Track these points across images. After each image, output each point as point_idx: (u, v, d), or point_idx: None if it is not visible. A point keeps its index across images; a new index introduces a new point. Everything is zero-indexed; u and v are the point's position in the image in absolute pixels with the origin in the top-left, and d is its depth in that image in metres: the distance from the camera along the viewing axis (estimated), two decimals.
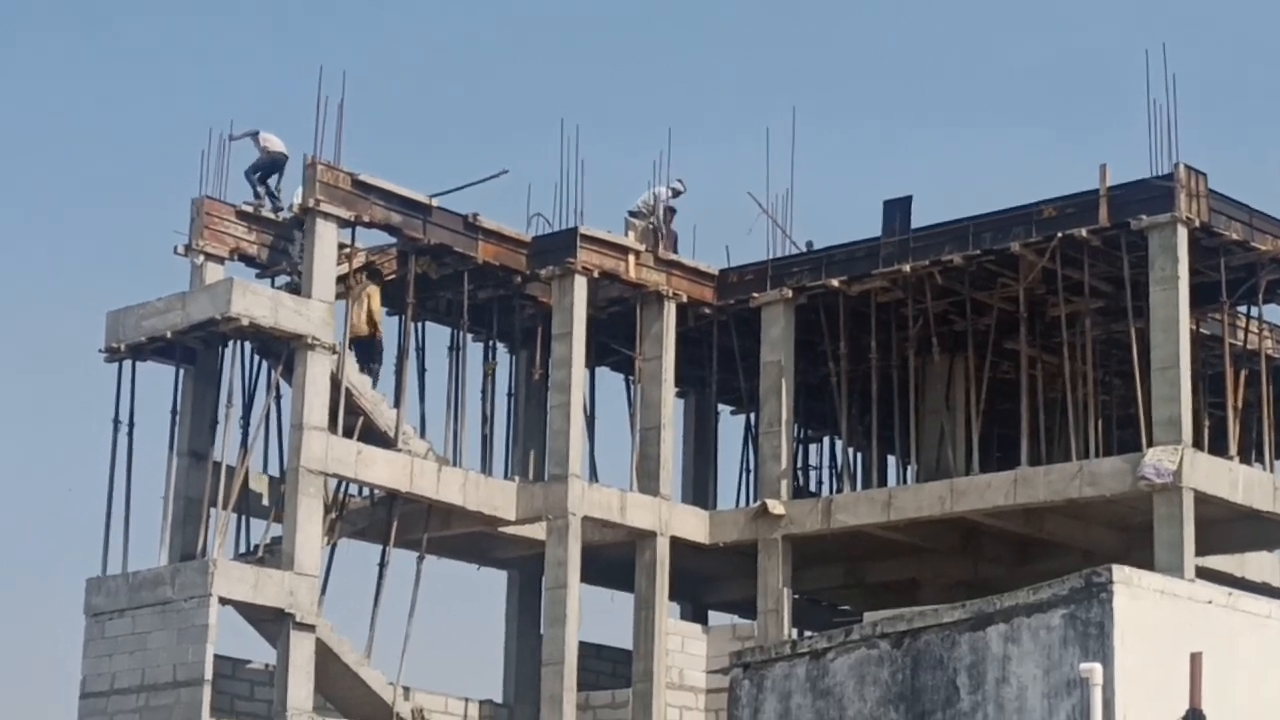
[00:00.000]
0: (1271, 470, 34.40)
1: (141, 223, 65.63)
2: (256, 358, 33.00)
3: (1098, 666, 14.60)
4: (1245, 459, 34.44)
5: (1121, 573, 17.91)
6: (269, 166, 33.70)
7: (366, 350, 33.66)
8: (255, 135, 33.77)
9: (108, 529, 32.01)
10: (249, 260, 33.81)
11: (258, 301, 31.30)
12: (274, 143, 33.78)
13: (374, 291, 33.90)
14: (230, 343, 32.40)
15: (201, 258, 33.04)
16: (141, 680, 29.77)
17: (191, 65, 72.41)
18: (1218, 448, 33.65)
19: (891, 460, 38.84)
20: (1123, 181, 31.92)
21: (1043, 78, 74.57)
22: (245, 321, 31.00)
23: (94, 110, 72.39)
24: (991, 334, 34.72)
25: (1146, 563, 29.35)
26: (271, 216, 33.76)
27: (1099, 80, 70.84)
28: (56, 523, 63.31)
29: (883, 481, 37.94)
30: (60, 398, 64.13)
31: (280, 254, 33.38)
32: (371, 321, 33.71)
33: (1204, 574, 31.19)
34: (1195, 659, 13.74)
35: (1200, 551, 30.96)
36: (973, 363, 34.92)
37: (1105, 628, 17.53)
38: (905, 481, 37.06)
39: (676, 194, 36.33)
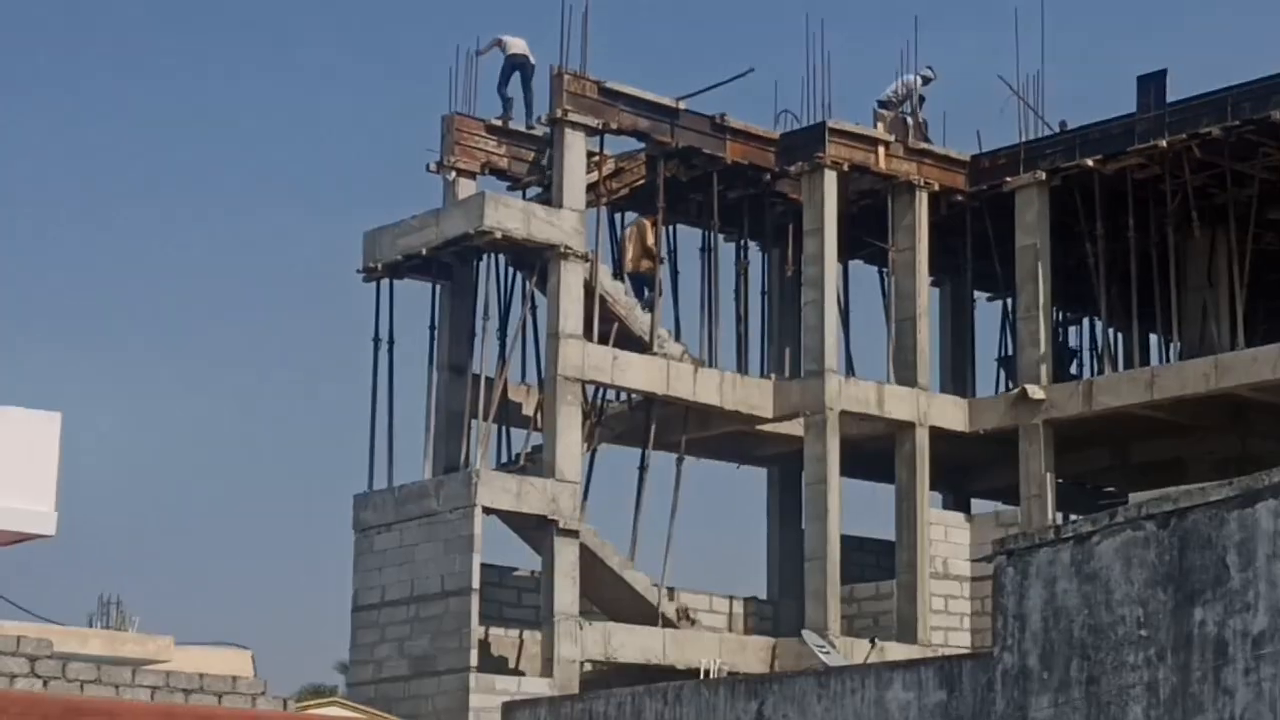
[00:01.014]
0: None
1: (395, 142, 66.58)
2: (511, 270, 33.29)
3: None
4: None
5: None
6: (509, 69, 33.79)
7: (648, 284, 33.99)
8: (499, 43, 33.89)
9: (372, 445, 32.60)
10: (500, 174, 34.04)
11: (510, 214, 31.54)
12: (515, 45, 33.79)
13: (647, 225, 34.12)
14: (485, 256, 32.72)
15: (454, 174, 33.31)
16: (411, 592, 30.32)
17: None
18: None
19: (1153, 339, 38.17)
20: None
21: None
22: (498, 234, 31.25)
23: (344, 34, 73.43)
24: (1254, 205, 33.88)
25: None
26: (519, 128, 33.91)
27: None
28: (323, 442, 64.75)
29: (1145, 361, 37.30)
30: (321, 319, 65.45)
31: (538, 167, 33.44)
32: (650, 255, 33.93)
33: None
34: None
35: None
36: (1235, 236, 34.13)
37: None
38: (1168, 360, 36.40)
39: (927, 81, 35.90)
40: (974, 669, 20.58)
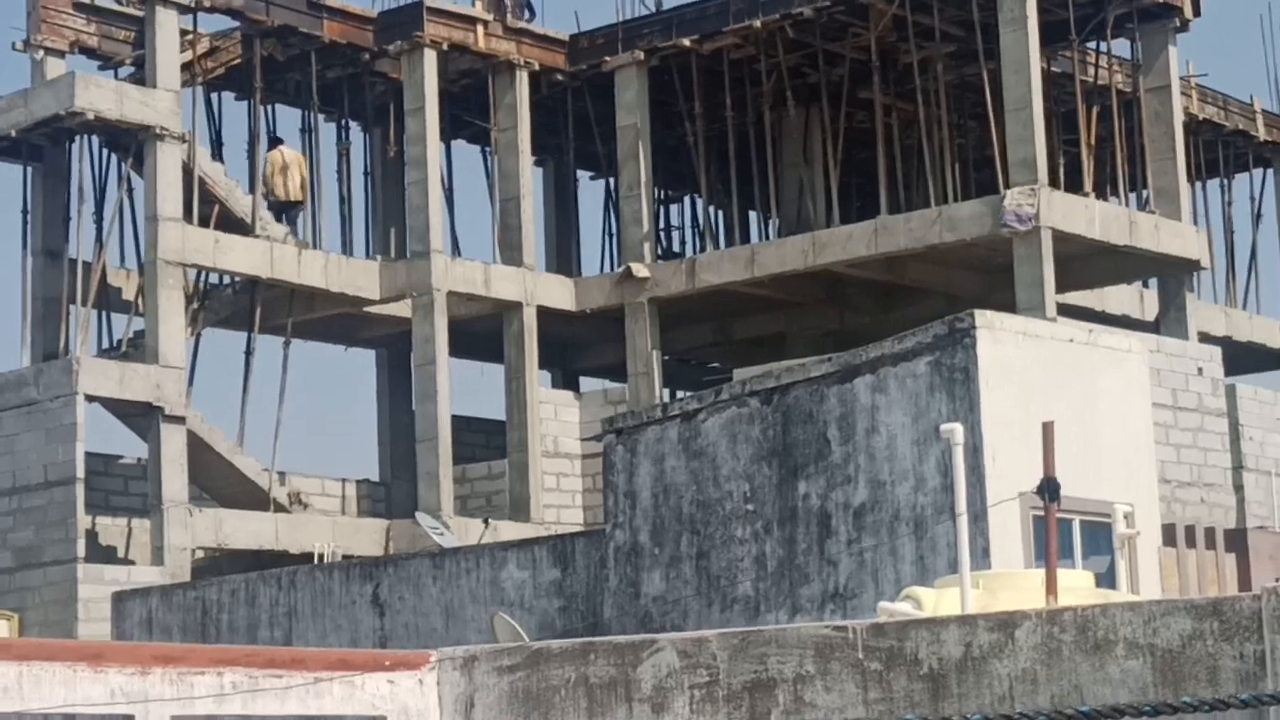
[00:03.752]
0: (1126, 205, 34.73)
1: None
2: (105, 151, 32.47)
3: (958, 427, 14.80)
4: (1101, 195, 34.77)
5: (984, 317, 18.11)
6: None
7: (290, 211, 33.57)
8: None
9: None
10: (90, 53, 33.11)
11: (102, 94, 30.72)
12: None
13: (301, 161, 33.70)
14: (77, 138, 31.86)
15: (41, 53, 32.33)
16: (13, 483, 29.60)
17: None
18: (1073, 185, 33.95)
19: (753, 217, 38.94)
20: None
21: None
22: (91, 115, 30.44)
23: None
24: (845, 84, 34.67)
25: (1008, 304, 29.74)
26: (108, 5, 33.02)
27: None
28: None
29: (745, 239, 38.02)
30: None
31: None
32: (302, 189, 33.52)
33: (1065, 311, 31.57)
34: (1047, 429, 13.92)
35: (1060, 289, 31.32)
36: (828, 114, 34.89)
37: (970, 373, 17.75)
38: (767, 237, 37.18)
39: None
40: (586, 546, 20.92)
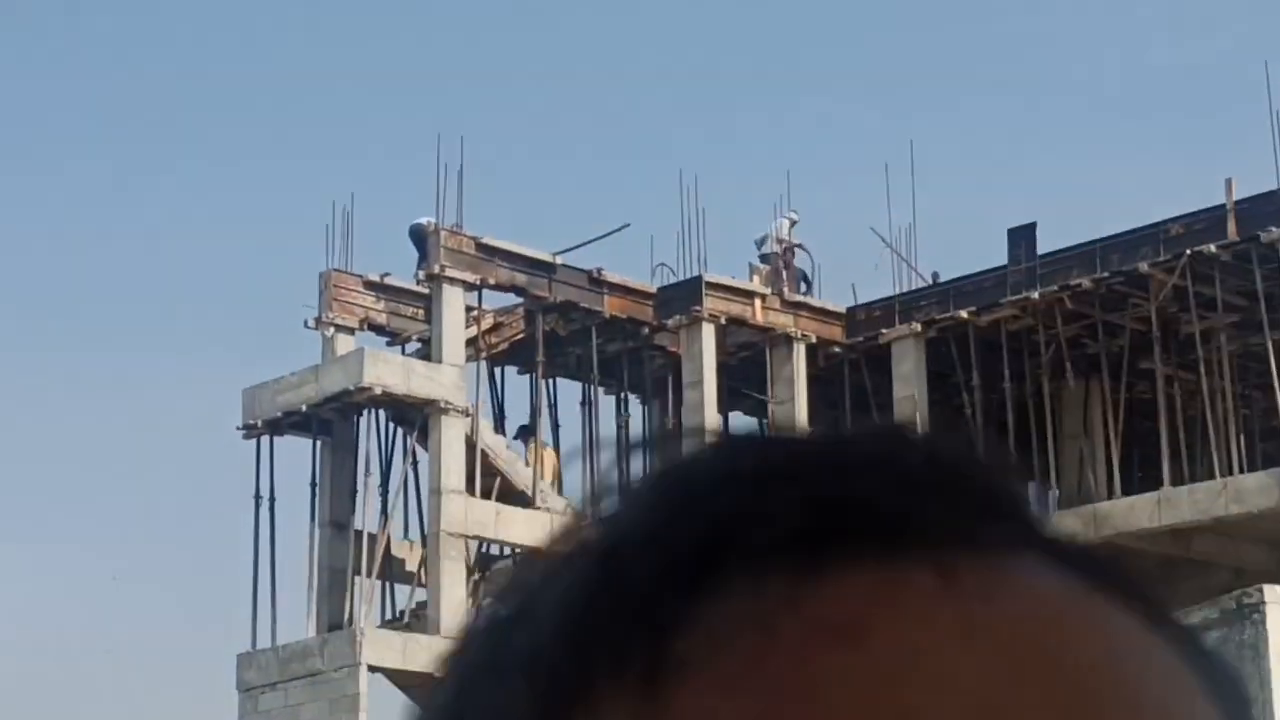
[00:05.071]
0: None
1: (273, 299, 66.39)
2: (391, 425, 33.25)
3: None
4: None
5: (1273, 592, 17.69)
6: None
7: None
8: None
9: (255, 603, 32.35)
10: (379, 329, 34.06)
11: (390, 369, 31.53)
12: None
13: (549, 454, 34.21)
14: (365, 412, 32.64)
15: (332, 330, 33.31)
16: None
17: (313, 140, 73.22)
18: None
19: (1032, 488, 38.43)
20: (1249, 195, 31.56)
21: (1164, 95, 74.12)
22: (378, 390, 31.20)
23: (221, 190, 73.32)
24: (1125, 355, 34.39)
25: None
26: (396, 283, 33.98)
27: (1221, 95, 70.32)
28: (207, 600, 64.00)
29: None
30: (202, 476, 64.89)
31: None
32: (554, 482, 34.11)
33: None
34: None
35: None
36: (1108, 385, 34.59)
37: (1260, 650, 17.31)
38: (1047, 509, 36.60)
39: (793, 223, 36.29)
40: None
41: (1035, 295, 33.52)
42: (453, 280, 32.31)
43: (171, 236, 72.00)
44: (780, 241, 35.95)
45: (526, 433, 34.67)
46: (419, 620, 31.53)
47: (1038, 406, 35.03)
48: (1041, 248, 33.96)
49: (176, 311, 71.06)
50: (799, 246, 36.21)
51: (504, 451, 33.09)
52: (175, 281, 70.94)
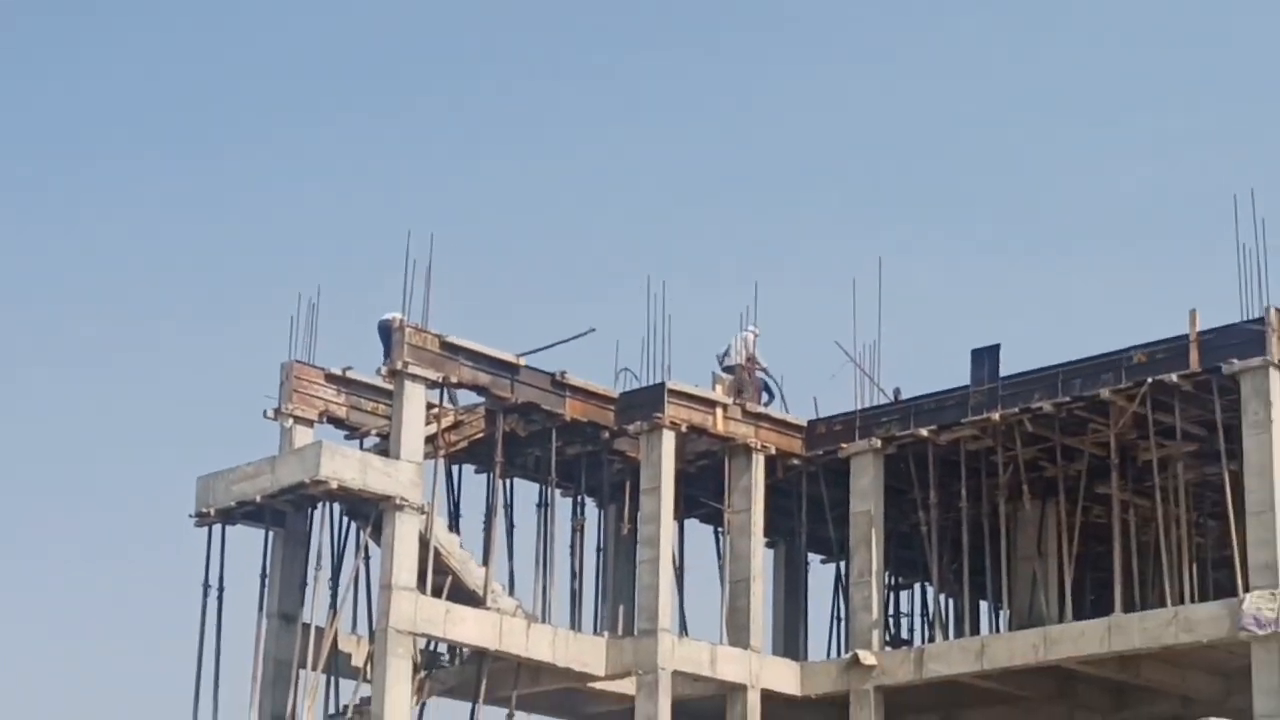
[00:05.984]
0: None
1: (232, 387, 66.17)
2: (345, 519, 33.11)
3: None
4: None
5: None
6: None
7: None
8: None
9: (197, 693, 32.06)
10: (338, 423, 34.00)
11: (346, 464, 31.42)
12: None
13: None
14: (319, 504, 32.52)
15: (291, 421, 33.26)
16: None
17: (279, 231, 73.37)
18: None
19: (984, 607, 38.48)
20: (1213, 326, 31.72)
21: (1129, 223, 74.48)
22: (334, 484, 31.10)
23: (183, 277, 73.30)
24: (1083, 479, 34.47)
25: (1246, 708, 28.97)
26: (357, 377, 33.93)
27: (1187, 224, 70.59)
28: (147, 688, 63.44)
29: (975, 629, 37.57)
30: (151, 564, 64.49)
31: None
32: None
33: None
34: None
35: None
36: (1064, 508, 34.64)
37: None
38: (998, 629, 36.68)
39: (756, 337, 36.36)
40: None
41: (996, 416, 33.60)
42: (415, 377, 32.25)
43: (136, 321, 71.86)
44: (743, 355, 36.01)
45: None
46: (362, 716, 31.31)
47: (993, 526, 35.07)
48: (1005, 369, 34.07)
49: (132, 392, 70.75)
50: (759, 366, 36.24)
51: (457, 550, 32.96)
52: (136, 365, 70.75)
